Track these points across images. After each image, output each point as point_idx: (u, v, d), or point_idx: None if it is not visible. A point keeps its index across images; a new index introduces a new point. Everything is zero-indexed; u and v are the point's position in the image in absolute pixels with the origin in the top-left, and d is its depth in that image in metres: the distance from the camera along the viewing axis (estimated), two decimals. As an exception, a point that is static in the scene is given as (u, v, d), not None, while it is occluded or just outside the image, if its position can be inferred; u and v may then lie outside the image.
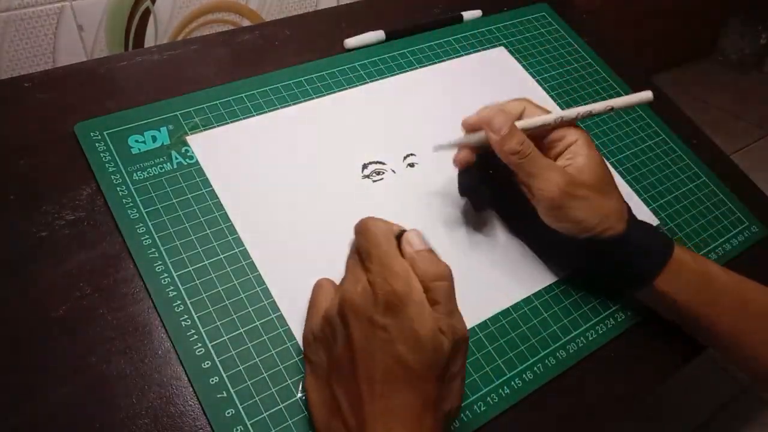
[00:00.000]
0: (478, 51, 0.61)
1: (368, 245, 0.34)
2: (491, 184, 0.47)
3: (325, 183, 0.48)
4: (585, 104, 0.44)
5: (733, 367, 0.46)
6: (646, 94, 0.44)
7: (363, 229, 0.35)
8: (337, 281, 0.39)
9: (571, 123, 0.44)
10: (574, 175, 0.42)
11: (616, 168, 0.57)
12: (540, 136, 0.44)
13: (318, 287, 0.39)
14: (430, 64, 0.58)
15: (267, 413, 0.37)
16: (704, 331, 0.44)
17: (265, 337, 0.39)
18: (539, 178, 0.42)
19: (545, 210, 0.43)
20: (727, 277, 0.44)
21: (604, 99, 0.62)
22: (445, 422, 0.33)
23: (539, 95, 0.60)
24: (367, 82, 0.55)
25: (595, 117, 0.59)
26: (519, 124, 0.43)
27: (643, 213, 0.54)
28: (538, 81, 0.61)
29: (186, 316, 0.39)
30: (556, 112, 0.44)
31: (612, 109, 0.44)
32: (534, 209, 0.44)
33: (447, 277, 0.34)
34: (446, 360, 0.33)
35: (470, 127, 0.45)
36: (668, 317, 0.46)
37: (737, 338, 0.43)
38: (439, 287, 0.34)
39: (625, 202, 0.44)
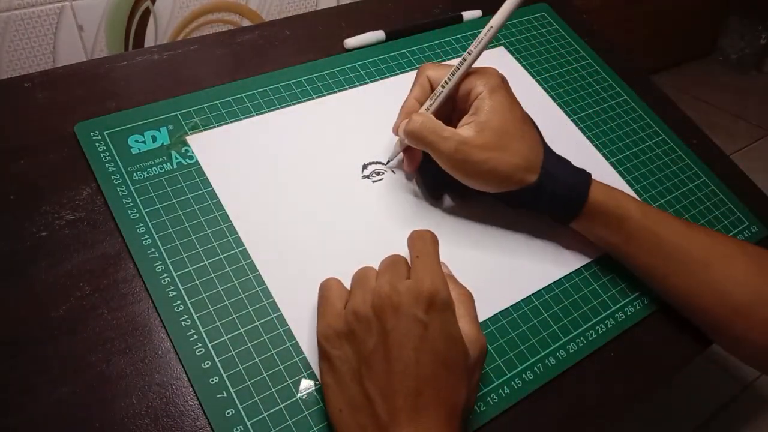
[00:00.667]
0: (478, 51, 0.61)
1: (424, 248, 0.38)
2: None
3: (325, 183, 0.48)
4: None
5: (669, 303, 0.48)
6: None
7: (421, 233, 0.39)
8: (339, 281, 0.40)
9: (473, 71, 0.44)
10: (469, 139, 0.42)
11: (616, 168, 0.57)
12: (455, 96, 0.45)
13: (327, 287, 0.39)
14: (430, 64, 0.58)
15: (267, 413, 0.37)
16: (630, 266, 0.47)
17: (265, 337, 0.39)
18: (436, 152, 0.43)
19: (455, 176, 0.44)
20: (640, 215, 0.45)
21: (604, 99, 0.62)
22: (465, 424, 0.35)
23: (539, 95, 0.60)
24: (367, 82, 0.55)
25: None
26: (427, 103, 0.45)
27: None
28: (538, 81, 0.61)
29: (186, 316, 0.39)
30: (452, 66, 0.44)
31: (491, 28, 0.42)
32: None
33: (470, 294, 0.38)
34: (472, 365, 0.35)
35: (397, 131, 0.47)
36: (604, 250, 0.48)
37: (654, 273, 0.46)
38: (465, 302, 0.37)
39: (539, 144, 0.44)
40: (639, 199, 0.49)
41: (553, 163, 0.44)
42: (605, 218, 0.45)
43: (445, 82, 0.44)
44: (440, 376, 0.33)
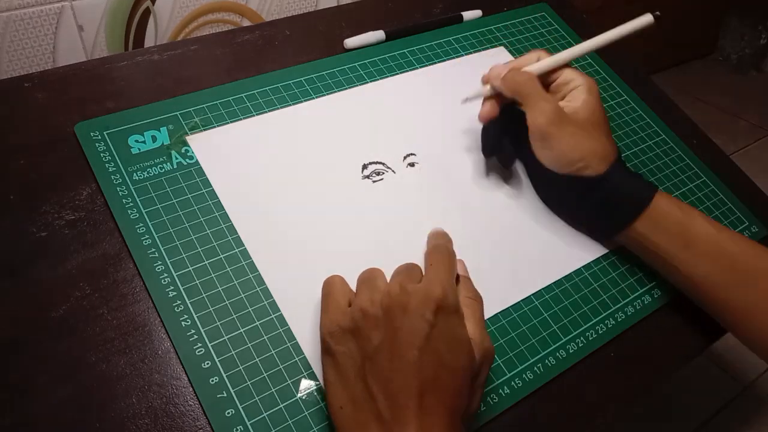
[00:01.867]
0: (478, 51, 0.61)
1: (440, 258, 0.39)
2: (513, 138, 0.49)
3: (324, 183, 0.47)
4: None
5: (717, 320, 0.46)
6: (647, 18, 0.47)
7: (439, 247, 0.40)
8: (342, 278, 0.40)
9: (576, 69, 0.48)
10: (564, 110, 0.45)
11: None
12: (548, 83, 0.48)
13: (331, 283, 0.39)
14: (430, 64, 0.58)
15: (267, 413, 0.37)
16: (681, 277, 0.45)
17: (265, 337, 0.39)
18: (532, 108, 0.45)
19: (534, 139, 0.46)
20: (709, 226, 0.45)
21: (604, 99, 0.62)
22: (467, 427, 0.35)
23: (539, 95, 0.60)
24: (367, 82, 0.55)
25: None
26: (534, 65, 0.48)
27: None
28: (538, 81, 0.61)
29: (186, 316, 0.39)
30: (566, 52, 0.48)
31: (608, 40, 0.47)
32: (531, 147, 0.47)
33: (480, 299, 0.39)
34: (477, 369, 0.35)
35: (488, 81, 0.49)
36: (651, 263, 0.47)
37: (710, 285, 0.44)
38: (473, 305, 0.38)
39: (614, 146, 0.46)
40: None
41: (623, 164, 0.46)
42: (667, 224, 0.44)
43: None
44: (444, 377, 0.33)
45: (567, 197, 0.48)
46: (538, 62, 0.48)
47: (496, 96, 0.48)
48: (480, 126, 0.50)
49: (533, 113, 0.45)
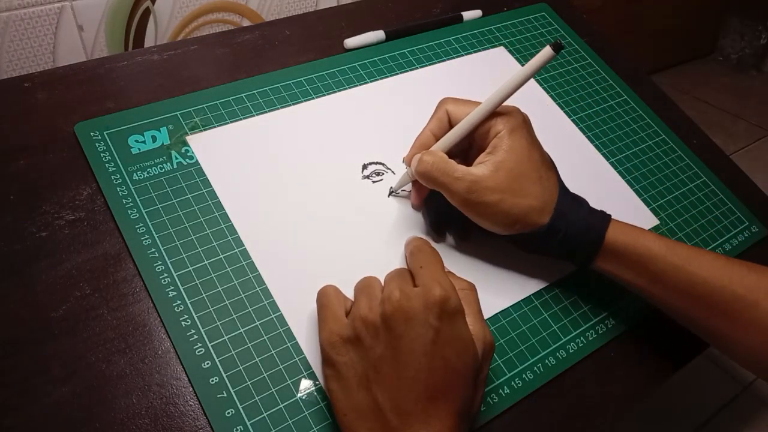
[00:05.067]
0: (478, 51, 0.61)
1: (426, 258, 0.38)
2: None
3: (324, 183, 0.48)
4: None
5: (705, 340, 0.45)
6: (546, 51, 0.41)
7: (419, 246, 0.40)
8: (339, 281, 0.40)
9: (495, 109, 0.43)
10: (481, 180, 0.41)
11: (616, 168, 0.57)
12: (473, 134, 0.44)
13: (325, 294, 0.38)
14: (430, 64, 0.58)
15: (267, 413, 0.37)
16: (661, 306, 0.44)
17: (265, 337, 0.39)
18: (448, 193, 0.42)
19: (469, 216, 0.43)
20: (666, 252, 0.42)
21: (604, 99, 0.62)
22: (469, 425, 0.35)
23: (539, 95, 0.60)
24: (367, 82, 0.55)
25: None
26: (442, 141, 0.44)
27: (642, 213, 0.54)
28: (537, 81, 0.61)
29: (186, 316, 0.39)
30: (477, 108, 0.43)
31: (525, 75, 0.41)
32: None
33: (473, 287, 0.38)
34: (480, 364, 0.35)
35: (409, 162, 0.45)
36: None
37: (690, 315, 0.42)
38: (469, 296, 0.38)
39: (552, 187, 0.43)
40: (667, 237, 0.46)
41: (567, 204, 0.43)
42: (627, 259, 0.42)
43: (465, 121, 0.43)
44: (451, 382, 0.33)
45: (522, 246, 0.46)
46: (448, 135, 0.44)
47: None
48: None
49: (450, 198, 0.42)
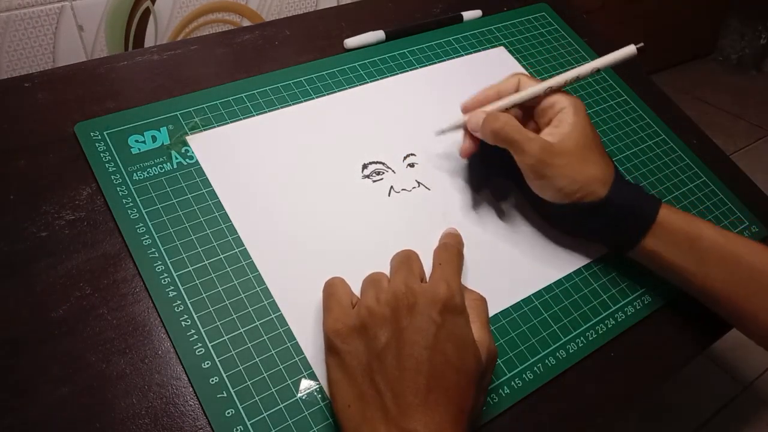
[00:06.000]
0: (478, 51, 0.61)
1: (448, 257, 0.39)
2: (504, 168, 0.48)
3: (325, 183, 0.48)
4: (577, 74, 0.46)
5: (734, 326, 0.46)
6: (629, 49, 0.45)
7: (448, 247, 0.41)
8: (343, 279, 0.40)
9: (560, 90, 0.46)
10: (553, 144, 0.44)
11: (616, 168, 0.56)
12: (533, 106, 0.47)
13: (333, 284, 0.39)
14: (430, 64, 0.58)
15: (267, 413, 0.37)
16: (699, 289, 0.45)
17: (265, 337, 0.39)
18: (519, 152, 0.44)
19: (528, 179, 0.45)
20: (717, 235, 0.44)
21: (604, 99, 0.62)
22: (471, 428, 0.35)
23: (539, 95, 0.60)
24: (367, 82, 0.55)
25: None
26: (509, 98, 0.46)
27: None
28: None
29: (186, 316, 0.39)
30: (545, 82, 0.46)
31: (598, 70, 0.46)
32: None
33: (483, 299, 0.39)
34: (483, 370, 0.35)
35: (468, 110, 0.48)
36: (665, 277, 0.46)
37: (730, 296, 0.44)
38: (479, 307, 0.38)
39: (611, 164, 0.45)
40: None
41: (623, 181, 0.45)
42: (677, 238, 0.44)
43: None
44: (450, 377, 0.33)
45: (573, 220, 0.47)
46: (519, 94, 0.46)
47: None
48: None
49: (521, 157, 0.44)
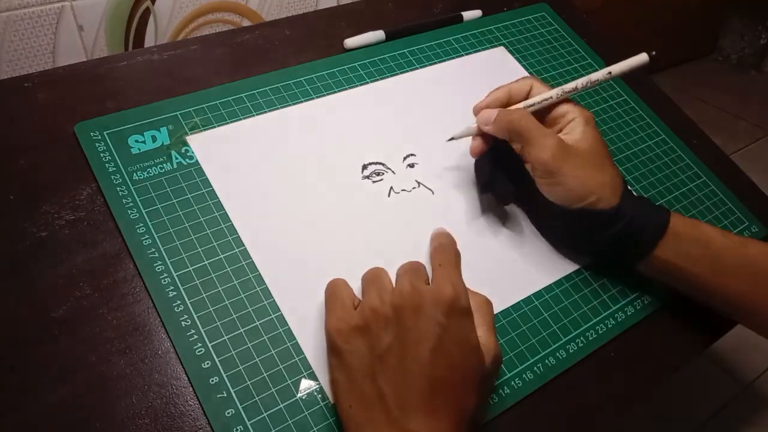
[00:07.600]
0: (478, 51, 0.61)
1: (446, 258, 0.39)
2: (507, 172, 0.48)
3: (324, 183, 0.47)
4: (570, 98, 0.46)
5: (752, 331, 0.46)
6: (642, 57, 0.46)
7: (444, 247, 0.40)
8: (345, 281, 0.40)
9: (570, 98, 0.47)
10: (568, 143, 0.44)
11: (616, 168, 0.56)
12: (544, 114, 0.47)
13: (335, 285, 0.39)
14: (430, 64, 0.58)
15: (267, 413, 0.37)
16: (714, 295, 0.44)
17: (265, 337, 0.39)
18: (533, 144, 0.43)
19: (540, 177, 0.44)
20: (726, 239, 0.44)
21: (604, 99, 0.62)
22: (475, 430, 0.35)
23: (539, 95, 0.60)
24: (367, 82, 0.55)
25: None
26: (521, 103, 0.46)
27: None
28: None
29: (186, 316, 0.39)
30: (558, 88, 0.46)
31: (610, 74, 0.46)
32: (535, 184, 0.45)
33: (489, 302, 0.38)
34: (487, 374, 0.35)
35: (479, 124, 0.47)
36: (678, 287, 0.46)
37: (745, 299, 0.43)
38: (484, 309, 0.38)
39: (621, 177, 0.45)
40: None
41: (630, 193, 0.45)
42: (689, 244, 0.43)
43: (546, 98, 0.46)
44: (454, 379, 0.33)
45: (578, 233, 0.46)
46: (529, 100, 0.46)
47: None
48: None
49: (535, 150, 0.43)
